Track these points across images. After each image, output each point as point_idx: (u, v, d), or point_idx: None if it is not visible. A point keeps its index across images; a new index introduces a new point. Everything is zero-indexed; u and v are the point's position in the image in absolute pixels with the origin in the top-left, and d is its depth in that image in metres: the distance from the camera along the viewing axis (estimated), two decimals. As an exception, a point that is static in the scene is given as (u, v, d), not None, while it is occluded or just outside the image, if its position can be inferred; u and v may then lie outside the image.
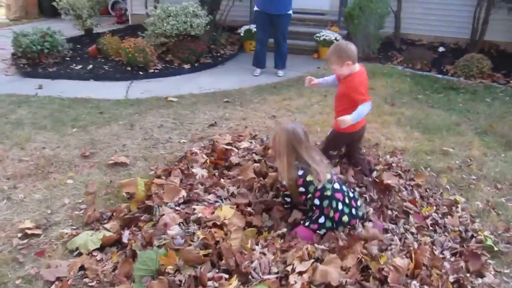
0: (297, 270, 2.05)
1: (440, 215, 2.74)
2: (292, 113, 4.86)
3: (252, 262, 2.13)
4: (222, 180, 2.84)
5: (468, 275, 2.24)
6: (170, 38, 6.64)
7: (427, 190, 3.14)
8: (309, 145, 2.49)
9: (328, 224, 2.41)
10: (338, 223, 2.42)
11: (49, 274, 2.29)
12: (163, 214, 2.45)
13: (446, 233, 2.56)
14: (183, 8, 6.44)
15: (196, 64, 6.64)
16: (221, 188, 2.74)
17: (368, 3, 7.08)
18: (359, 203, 2.59)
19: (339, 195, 2.45)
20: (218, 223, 2.30)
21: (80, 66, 6.32)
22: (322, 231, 2.41)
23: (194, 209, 2.49)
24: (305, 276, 2.02)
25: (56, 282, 2.26)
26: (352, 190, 2.72)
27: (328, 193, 2.41)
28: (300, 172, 2.38)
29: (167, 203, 2.57)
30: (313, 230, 2.41)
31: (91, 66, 6.32)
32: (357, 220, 2.51)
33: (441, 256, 2.33)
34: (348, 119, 2.67)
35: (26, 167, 3.43)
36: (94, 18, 8.01)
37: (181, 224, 2.40)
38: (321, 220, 2.42)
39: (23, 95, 5.18)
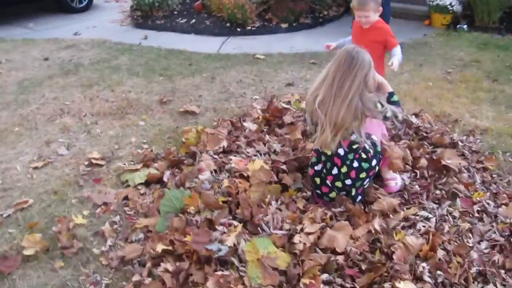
0: (306, 230, 2.05)
1: (495, 204, 2.46)
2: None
3: (266, 215, 2.17)
4: (267, 136, 2.88)
5: (502, 271, 2.02)
6: (272, -4, 6.63)
7: (494, 176, 2.81)
8: None
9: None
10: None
11: (98, 198, 2.61)
12: (201, 160, 2.60)
13: (493, 224, 2.31)
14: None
15: (294, 24, 6.57)
16: (263, 144, 2.79)
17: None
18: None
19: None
20: (245, 174, 2.38)
21: (184, 20, 6.68)
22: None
23: (231, 159, 2.59)
24: (311, 237, 2.01)
25: (102, 206, 2.56)
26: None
27: None
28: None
29: (208, 151, 2.71)
30: None
31: (194, 20, 6.65)
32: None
33: (475, 245, 2.12)
34: (399, 61, 2.78)
35: (110, 107, 3.84)
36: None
37: (214, 172, 2.52)
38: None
39: (128, 44, 5.69)
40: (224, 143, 2.72)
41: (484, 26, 6.66)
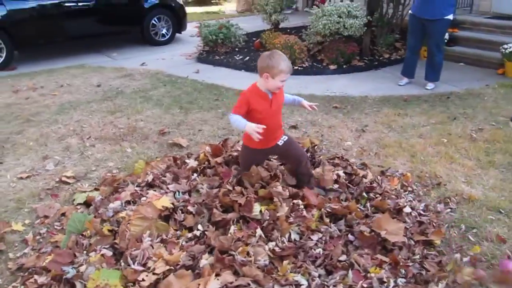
0: (155, 271, 2.13)
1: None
2: (389, 131, 4.38)
3: (136, 249, 2.30)
4: (197, 177, 2.98)
5: None
6: (326, 37, 6.67)
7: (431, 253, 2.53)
8: None
9: None
10: None
11: (42, 211, 2.98)
12: (124, 190, 2.82)
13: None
14: (337, 8, 6.37)
15: (344, 66, 6.51)
16: (189, 182, 2.90)
17: None
18: None
19: None
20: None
21: (241, 57, 7.05)
22: None
23: (147, 193, 2.77)
24: (153, 277, 2.09)
25: (42, 218, 2.92)
26: None
27: None
28: None
29: (134, 183, 2.92)
30: None
31: (247, 58, 6.97)
32: None
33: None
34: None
35: (114, 132, 4.28)
36: (282, 13, 8.60)
37: (126, 203, 2.72)
38: None
39: (177, 77, 6.22)
40: (150, 177, 2.90)
41: None
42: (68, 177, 3.42)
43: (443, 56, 5.75)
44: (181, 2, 8.83)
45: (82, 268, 2.17)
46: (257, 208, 2.56)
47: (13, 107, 4.95)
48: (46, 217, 2.93)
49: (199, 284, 1.99)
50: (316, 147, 3.83)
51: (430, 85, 5.79)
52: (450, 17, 5.39)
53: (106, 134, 4.23)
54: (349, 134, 4.27)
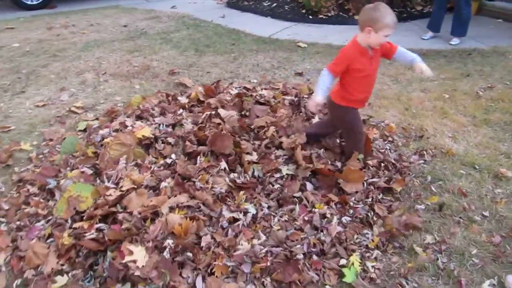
0: (123, 188, 2.43)
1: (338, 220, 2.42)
2: (394, 83, 4.37)
3: (112, 170, 2.60)
4: (184, 112, 3.21)
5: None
6: (355, -14, 6.51)
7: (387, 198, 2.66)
8: None
9: None
10: None
11: (48, 134, 3.34)
12: (115, 120, 3.12)
13: (309, 236, 2.31)
14: (367, -45, 6.14)
15: (370, 17, 6.35)
16: (174, 116, 3.14)
17: None
18: None
19: None
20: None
21: (269, 3, 7.04)
22: None
23: (135, 123, 3.04)
24: (117, 192, 2.39)
25: (48, 141, 3.28)
26: None
27: None
28: None
29: (126, 113, 3.21)
30: None
31: (275, 4, 6.95)
32: None
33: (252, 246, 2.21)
34: None
35: (128, 70, 4.56)
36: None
37: (114, 130, 3.01)
38: None
39: (201, 20, 6.37)
40: (139, 110, 3.17)
41: None
42: (77, 107, 3.76)
43: (470, 10, 5.50)
44: None
45: (62, 181, 2.49)
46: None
47: (43, 43, 5.33)
48: (51, 140, 3.29)
49: (151, 201, 2.26)
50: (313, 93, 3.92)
51: (455, 40, 5.59)
52: (483, -33, 5.10)
53: (121, 71, 4.52)
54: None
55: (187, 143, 2.78)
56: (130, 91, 4.08)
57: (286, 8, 6.79)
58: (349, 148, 2.78)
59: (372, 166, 2.82)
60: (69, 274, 2.10)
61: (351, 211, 2.49)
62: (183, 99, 3.36)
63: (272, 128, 2.91)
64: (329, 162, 2.79)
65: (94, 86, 4.20)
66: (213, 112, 3.09)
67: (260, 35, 5.73)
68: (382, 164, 2.89)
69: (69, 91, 4.11)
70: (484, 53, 5.21)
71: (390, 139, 3.27)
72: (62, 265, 2.14)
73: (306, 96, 3.72)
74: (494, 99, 3.99)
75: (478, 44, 5.51)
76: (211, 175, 2.54)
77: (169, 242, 2.07)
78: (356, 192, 2.61)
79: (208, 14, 6.71)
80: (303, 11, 6.58)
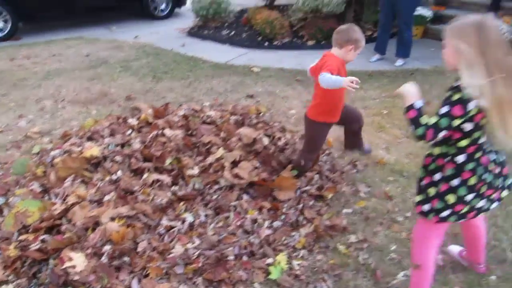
0: (68, 203, 2.60)
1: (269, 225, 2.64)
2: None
3: (59, 188, 2.77)
4: (132, 133, 3.42)
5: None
6: (307, 14, 6.91)
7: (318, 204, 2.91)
8: None
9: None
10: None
11: (3, 158, 3.48)
12: (67, 141, 3.30)
13: (241, 239, 2.52)
14: (315, -15, 6.59)
15: (322, 42, 6.74)
16: (123, 137, 3.35)
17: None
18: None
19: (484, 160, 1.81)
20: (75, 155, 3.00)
21: (227, 32, 7.38)
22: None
23: (85, 144, 3.23)
24: (62, 206, 2.55)
25: (2, 163, 3.41)
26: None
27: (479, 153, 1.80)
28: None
29: (78, 135, 3.39)
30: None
31: (233, 32, 7.30)
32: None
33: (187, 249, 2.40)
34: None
35: (86, 97, 4.75)
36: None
37: (65, 152, 3.19)
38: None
39: (162, 49, 6.62)
40: (90, 132, 3.36)
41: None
42: (34, 133, 3.91)
43: (411, 33, 5.93)
44: (181, -22, 9.14)
45: (11, 199, 2.65)
46: (168, 160, 2.97)
47: (4, 73, 5.49)
48: (5, 163, 3.43)
49: (93, 212, 2.43)
50: (261, 114, 4.18)
51: (399, 62, 5.99)
52: (419, -6, 5.55)
53: (79, 98, 4.71)
54: (298, 104, 4.59)
55: (133, 160, 2.97)
56: (86, 116, 4.26)
57: (244, 36, 7.13)
58: (300, 157, 3.04)
59: (306, 176, 3.06)
60: (14, 283, 2.23)
61: (283, 216, 2.71)
62: (133, 121, 3.57)
63: (221, 150, 3.13)
64: (266, 173, 3.02)
65: (52, 113, 4.37)
66: (160, 132, 3.30)
67: (217, 61, 6.02)
68: (317, 174, 3.13)
69: (27, 118, 4.27)
70: (425, 73, 5.60)
71: (327, 152, 3.53)
72: (8, 275, 2.28)
73: (254, 115, 3.99)
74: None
75: (420, 65, 5.91)
76: (153, 188, 2.74)
77: (107, 248, 2.24)
78: (289, 199, 2.84)
79: (169, 43, 6.99)
80: (259, 38, 6.92)
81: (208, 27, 7.68)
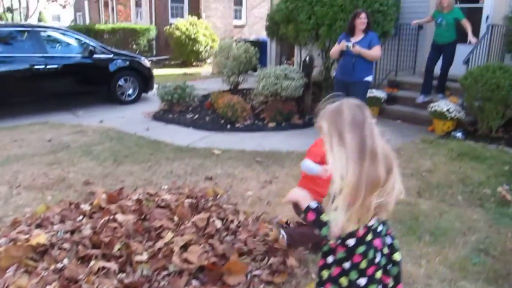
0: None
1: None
2: (296, 182, 4.78)
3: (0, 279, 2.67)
4: (83, 219, 3.39)
5: None
6: (268, 98, 7.26)
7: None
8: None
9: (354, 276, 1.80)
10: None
11: None
12: (15, 228, 3.23)
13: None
14: (275, 71, 7.00)
15: (283, 124, 7.02)
16: (73, 223, 3.31)
17: (484, 72, 6.06)
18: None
19: (378, 242, 1.82)
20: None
21: (191, 115, 7.62)
22: None
23: (33, 232, 3.16)
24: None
25: None
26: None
27: (370, 236, 1.80)
28: None
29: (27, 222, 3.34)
30: None
31: (197, 116, 7.54)
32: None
33: None
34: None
35: (43, 182, 4.71)
36: (242, 75, 9.29)
37: (11, 240, 3.11)
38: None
39: (126, 133, 6.74)
40: (40, 219, 3.32)
41: (486, 136, 6.35)
42: (-17, 218, 3.82)
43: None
44: (148, 65, 9.55)
45: None
46: (117, 246, 2.94)
47: (-37, 159, 5.44)
48: None
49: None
50: (218, 196, 4.23)
51: (355, 141, 6.25)
52: (369, 78, 5.96)
53: (35, 183, 4.67)
54: (256, 185, 4.68)
55: (80, 247, 2.93)
56: (41, 202, 4.20)
57: (207, 119, 7.37)
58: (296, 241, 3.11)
59: (256, 260, 3.06)
60: None
61: (231, 300, 2.66)
62: (85, 207, 3.55)
63: (170, 234, 3.13)
64: (217, 257, 3.01)
65: (5, 199, 4.30)
66: (111, 217, 3.29)
67: (179, 144, 6.15)
68: (270, 258, 3.14)
69: (-22, 205, 4.18)
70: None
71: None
72: None
73: (211, 198, 4.03)
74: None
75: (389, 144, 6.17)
76: (97, 277, 2.67)
77: None
78: (239, 283, 2.82)
79: (134, 127, 7.13)
80: (222, 121, 7.16)
81: (173, 111, 7.92)
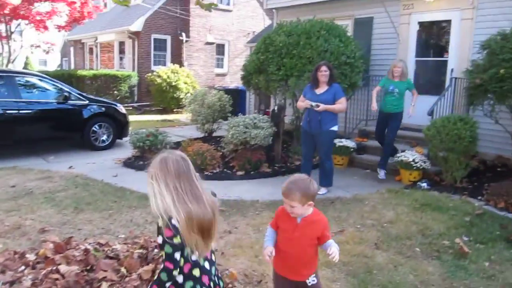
0: None
1: None
2: (255, 232, 4.75)
3: None
4: (25, 270, 3.30)
5: None
6: (238, 146, 7.32)
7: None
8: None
9: None
10: None
11: None
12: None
13: None
14: (244, 120, 7.11)
15: (252, 172, 7.05)
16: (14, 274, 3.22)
17: (446, 123, 6.23)
18: None
19: (205, 279, 1.97)
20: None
21: (162, 162, 7.61)
22: None
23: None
24: None
25: None
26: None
27: (197, 273, 1.94)
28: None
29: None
30: None
31: (167, 163, 7.53)
32: None
33: None
34: (337, 249, 2.46)
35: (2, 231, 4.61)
36: (217, 123, 9.40)
37: None
38: None
39: (93, 180, 6.69)
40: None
41: (450, 186, 6.44)
42: None
43: (332, 163, 6.34)
44: (124, 112, 9.63)
45: None
46: (53, 298, 2.85)
47: None
48: None
49: None
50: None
51: (322, 190, 6.28)
52: (335, 128, 6.08)
53: (-7, 231, 4.57)
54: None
55: (17, 300, 2.83)
56: (-10, 252, 4.09)
57: (177, 166, 7.35)
58: None
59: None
60: None
61: None
62: (31, 256, 3.46)
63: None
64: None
65: (-45, 249, 4.18)
66: (54, 268, 3.21)
67: (144, 192, 6.08)
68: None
69: None
70: (345, 201, 5.89)
71: (230, 285, 3.49)
72: None
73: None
74: (341, 242, 4.45)
75: (343, 193, 6.23)
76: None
77: None
78: None
79: (102, 173, 7.09)
80: (192, 168, 7.15)
81: (145, 157, 7.91)
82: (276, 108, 7.36)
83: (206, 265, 2.02)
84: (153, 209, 1.87)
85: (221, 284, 2.13)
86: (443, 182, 6.61)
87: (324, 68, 5.81)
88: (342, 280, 3.71)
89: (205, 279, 1.97)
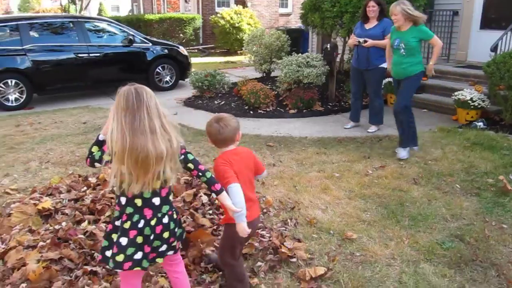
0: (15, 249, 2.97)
1: None
2: (298, 166, 4.99)
3: (7, 234, 3.16)
4: (87, 190, 3.83)
5: None
6: (292, 85, 7.44)
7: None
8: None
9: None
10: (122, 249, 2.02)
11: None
12: (32, 197, 3.74)
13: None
14: (296, 58, 7.16)
15: (304, 111, 7.19)
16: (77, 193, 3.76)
17: (508, 58, 5.88)
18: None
19: (148, 212, 2.04)
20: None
21: (219, 101, 7.97)
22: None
23: (43, 198, 3.65)
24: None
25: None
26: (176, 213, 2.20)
27: (139, 202, 2.03)
28: None
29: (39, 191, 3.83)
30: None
31: (223, 102, 7.87)
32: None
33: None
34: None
35: (69, 159, 5.24)
36: (275, 63, 9.49)
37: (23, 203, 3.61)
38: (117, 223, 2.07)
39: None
40: (51, 189, 3.80)
41: (509, 126, 6.20)
42: (12, 189, 4.37)
43: (382, 101, 6.30)
44: (186, 53, 10.00)
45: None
46: (107, 213, 3.34)
47: (6, 138, 6.13)
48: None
49: (21, 257, 2.79)
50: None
51: (372, 128, 6.31)
52: (384, 65, 5.96)
53: (62, 160, 5.22)
54: (259, 167, 4.92)
55: (77, 212, 3.35)
56: (63, 176, 4.72)
57: (232, 105, 7.68)
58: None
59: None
60: None
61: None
62: (92, 179, 3.99)
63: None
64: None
65: (34, 173, 4.87)
66: (110, 189, 3.69)
67: (199, 128, 6.51)
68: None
69: (11, 177, 4.76)
70: (393, 139, 5.87)
71: (264, 210, 3.80)
72: None
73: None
74: (380, 177, 4.58)
75: (392, 131, 6.19)
76: (87, 237, 3.08)
77: (24, 285, 2.56)
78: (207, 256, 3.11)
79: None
80: (246, 107, 7.44)
81: (203, 97, 8.30)
82: (328, 46, 7.29)
83: (155, 200, 2.05)
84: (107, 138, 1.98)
85: (172, 226, 2.12)
86: (502, 122, 6.33)
87: (372, 3, 5.64)
88: (372, 211, 3.87)
89: (147, 212, 2.03)
